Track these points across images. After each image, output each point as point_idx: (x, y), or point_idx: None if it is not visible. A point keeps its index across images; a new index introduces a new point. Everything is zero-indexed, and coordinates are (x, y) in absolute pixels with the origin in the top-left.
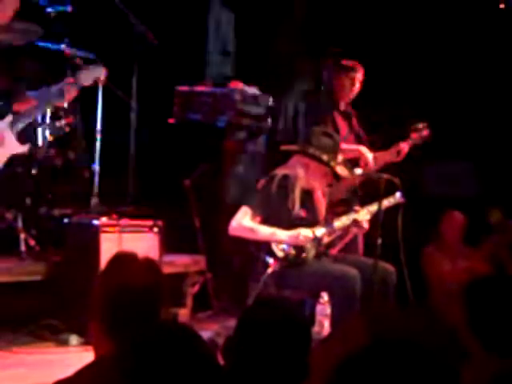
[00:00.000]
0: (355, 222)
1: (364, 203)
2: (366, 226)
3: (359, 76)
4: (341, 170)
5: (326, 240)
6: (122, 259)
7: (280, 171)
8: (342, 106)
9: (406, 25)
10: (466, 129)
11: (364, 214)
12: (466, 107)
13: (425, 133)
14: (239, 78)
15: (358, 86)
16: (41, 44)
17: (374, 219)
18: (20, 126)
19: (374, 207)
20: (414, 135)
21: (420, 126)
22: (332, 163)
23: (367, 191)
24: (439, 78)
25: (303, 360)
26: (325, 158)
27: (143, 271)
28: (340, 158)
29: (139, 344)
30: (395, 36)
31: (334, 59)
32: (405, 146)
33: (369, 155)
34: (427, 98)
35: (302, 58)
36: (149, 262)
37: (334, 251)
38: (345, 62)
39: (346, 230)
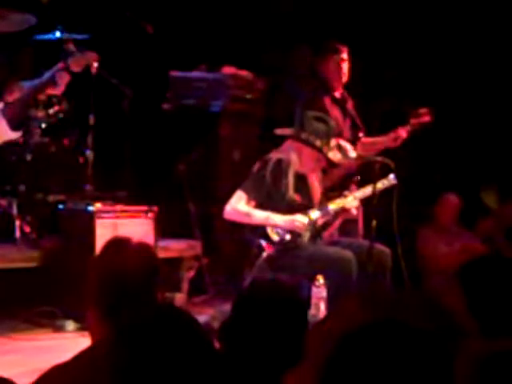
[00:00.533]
0: (342, 208)
1: (360, 187)
2: (354, 211)
3: (344, 56)
4: (334, 156)
5: (320, 222)
6: (117, 244)
7: (274, 155)
8: (337, 93)
9: (406, 10)
10: (466, 114)
11: (351, 200)
12: (466, 93)
13: (425, 118)
14: (233, 62)
15: (346, 66)
16: (36, 37)
17: (369, 202)
18: (12, 112)
19: (367, 190)
20: (414, 120)
21: (420, 111)
22: (325, 149)
23: (362, 175)
24: (441, 65)
25: (299, 342)
26: (317, 143)
27: (138, 255)
28: (333, 142)
29: (135, 328)
30: (395, 21)
31: (316, 44)
32: (403, 132)
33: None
34: (429, 86)
35: (298, 43)
36: (143, 247)
37: (327, 235)
38: (327, 44)
39: (335, 215)
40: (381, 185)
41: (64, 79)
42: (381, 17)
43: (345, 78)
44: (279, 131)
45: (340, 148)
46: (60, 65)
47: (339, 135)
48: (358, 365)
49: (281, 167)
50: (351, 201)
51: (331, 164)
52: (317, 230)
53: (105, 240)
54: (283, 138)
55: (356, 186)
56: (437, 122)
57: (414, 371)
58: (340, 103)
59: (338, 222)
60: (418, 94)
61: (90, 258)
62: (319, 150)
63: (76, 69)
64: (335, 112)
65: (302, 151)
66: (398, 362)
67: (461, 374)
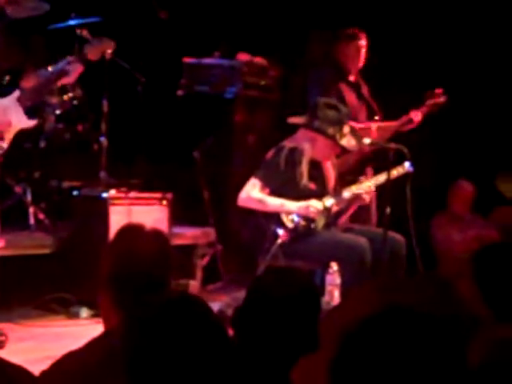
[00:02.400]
0: (355, 195)
1: (375, 173)
2: (366, 198)
3: (363, 43)
4: (348, 142)
5: (335, 209)
6: (130, 230)
7: (287, 144)
8: (351, 77)
9: None
10: (482, 100)
11: (366, 186)
12: (483, 79)
13: (441, 99)
14: (247, 49)
15: (363, 53)
16: (51, 26)
17: (383, 189)
18: (27, 101)
19: (382, 177)
20: (429, 102)
21: (435, 92)
22: (337, 136)
23: (377, 161)
24: (458, 52)
25: (313, 329)
26: (330, 131)
27: (151, 242)
28: (347, 129)
29: (148, 315)
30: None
31: (335, 29)
32: (417, 114)
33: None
34: (446, 71)
35: (312, 29)
36: (157, 233)
37: (341, 221)
38: (346, 31)
39: (349, 202)
40: (396, 172)
41: (76, 70)
42: (395, 1)
43: (361, 64)
44: (292, 120)
45: (354, 134)
46: (74, 56)
47: (354, 120)
48: (370, 353)
49: (294, 157)
50: (366, 187)
51: (345, 150)
52: (331, 217)
53: (119, 227)
54: (297, 126)
55: (372, 170)
56: (453, 107)
57: (426, 359)
58: (355, 88)
59: (351, 209)
60: (434, 79)
61: (103, 244)
62: (332, 137)
63: (93, 57)
64: (351, 97)
65: (316, 139)
66: (410, 350)
67: (474, 361)
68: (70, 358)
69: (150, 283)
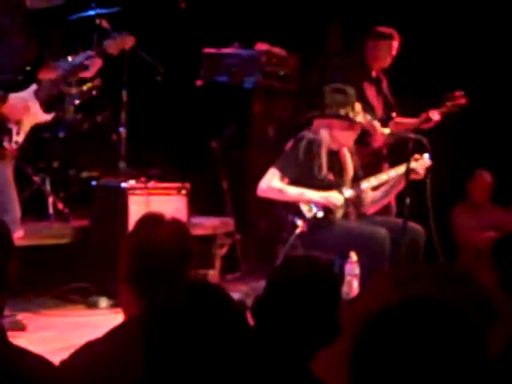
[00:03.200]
0: (411, 170)
1: (394, 165)
2: (422, 172)
3: (395, 44)
4: (364, 118)
5: (352, 200)
6: (150, 220)
7: (306, 134)
8: (373, 73)
9: None
10: (501, 90)
11: (385, 177)
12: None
13: (461, 101)
14: (266, 39)
15: (393, 54)
16: (70, 17)
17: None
18: (45, 94)
19: (401, 168)
20: (449, 103)
21: (455, 94)
22: (351, 114)
23: (396, 153)
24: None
25: (332, 319)
26: (342, 112)
27: (171, 231)
28: (358, 107)
29: (168, 304)
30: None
31: (371, 27)
32: (434, 114)
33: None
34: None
35: (331, 21)
36: (177, 223)
37: (371, 211)
38: (383, 29)
39: (398, 181)
40: (415, 164)
41: (96, 65)
42: None
43: (388, 64)
44: (304, 117)
45: (369, 109)
46: (94, 50)
47: (372, 114)
48: (390, 343)
49: (312, 148)
50: (386, 178)
51: (364, 129)
52: (355, 207)
53: (138, 217)
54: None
55: (388, 164)
56: (472, 97)
57: (446, 349)
58: (376, 83)
59: (399, 188)
60: (454, 78)
61: (122, 234)
62: (346, 117)
63: (113, 52)
64: (371, 92)
65: (332, 126)
66: (430, 340)
67: (495, 351)
68: (90, 347)
69: (169, 273)
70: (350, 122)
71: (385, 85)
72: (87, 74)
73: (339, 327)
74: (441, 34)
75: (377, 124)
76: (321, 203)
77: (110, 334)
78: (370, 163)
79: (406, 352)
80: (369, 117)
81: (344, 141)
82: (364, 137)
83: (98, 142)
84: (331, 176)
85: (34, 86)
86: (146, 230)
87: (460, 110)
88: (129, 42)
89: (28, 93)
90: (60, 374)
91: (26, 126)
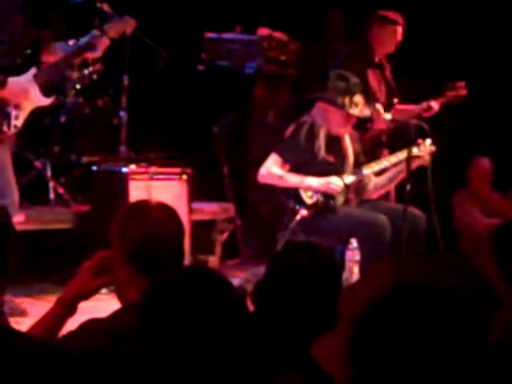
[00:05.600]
0: (416, 156)
1: (392, 151)
2: (427, 157)
3: (400, 29)
4: (360, 111)
5: (353, 187)
6: (140, 209)
7: (306, 119)
8: (376, 58)
9: None
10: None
11: (386, 163)
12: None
13: (461, 92)
14: (268, 24)
15: (398, 39)
16: (72, 0)
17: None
18: (45, 78)
19: (402, 154)
20: (449, 93)
21: (457, 84)
22: (347, 105)
23: (398, 139)
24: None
25: (333, 306)
26: (339, 101)
27: (170, 214)
28: (358, 98)
29: (167, 289)
30: None
31: (376, 11)
32: (434, 104)
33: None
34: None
35: (332, 6)
36: (168, 207)
37: (375, 196)
38: (388, 14)
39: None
40: (417, 150)
41: (103, 44)
42: None
43: (392, 49)
44: (308, 96)
45: (369, 104)
46: (97, 32)
47: (374, 99)
48: (390, 329)
49: (313, 131)
50: (387, 163)
51: (363, 120)
52: (357, 193)
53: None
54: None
55: (388, 151)
56: (472, 85)
57: (446, 335)
58: (379, 69)
59: (394, 184)
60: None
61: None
62: (341, 107)
63: (113, 35)
64: (373, 77)
65: (328, 111)
66: (430, 327)
67: (494, 338)
68: (95, 322)
69: (167, 257)
70: (344, 112)
71: (388, 70)
72: (95, 55)
73: (337, 314)
74: (443, 18)
75: (380, 108)
76: (321, 190)
77: (113, 316)
78: (369, 149)
79: (406, 339)
80: (367, 111)
81: (340, 126)
82: (364, 123)
83: (98, 126)
84: (331, 158)
85: (33, 70)
86: (137, 221)
87: (459, 101)
88: (130, 25)
89: (27, 77)
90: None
91: (26, 111)
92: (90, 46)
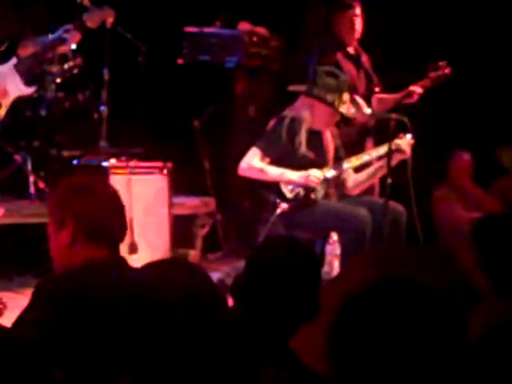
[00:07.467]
0: (397, 149)
1: (377, 145)
2: (408, 150)
3: (357, 12)
4: (347, 110)
5: (334, 181)
6: (81, 187)
7: (288, 113)
8: (350, 48)
9: None
10: (484, 71)
11: (367, 157)
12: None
13: (445, 71)
14: (249, 19)
15: (359, 23)
16: None
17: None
18: (25, 68)
19: (383, 148)
20: (433, 74)
21: (439, 64)
22: (336, 103)
23: (379, 133)
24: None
25: (312, 298)
26: (329, 98)
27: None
28: (346, 96)
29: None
30: None
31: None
32: (416, 88)
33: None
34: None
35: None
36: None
37: (356, 192)
38: (341, 1)
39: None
40: (397, 144)
41: (74, 38)
42: None
43: (358, 34)
44: (292, 88)
45: (354, 103)
46: (73, 24)
47: (353, 90)
48: (368, 322)
49: (294, 126)
50: (367, 158)
51: (345, 119)
52: (337, 188)
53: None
54: (297, 95)
55: (373, 142)
56: (454, 78)
57: (425, 330)
58: (354, 58)
59: (374, 180)
60: (435, 50)
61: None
62: (330, 104)
63: (92, 25)
64: (349, 67)
65: (315, 107)
66: (408, 321)
67: (474, 334)
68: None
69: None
70: (333, 110)
71: (365, 59)
72: (66, 47)
73: (319, 306)
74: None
75: (361, 101)
76: (301, 183)
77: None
78: (355, 141)
79: (385, 332)
80: (353, 109)
81: (324, 123)
82: (348, 120)
83: (79, 120)
84: (312, 154)
85: (13, 60)
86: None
87: (443, 81)
88: (109, 15)
89: (8, 66)
90: None
91: (8, 100)
92: (61, 40)
